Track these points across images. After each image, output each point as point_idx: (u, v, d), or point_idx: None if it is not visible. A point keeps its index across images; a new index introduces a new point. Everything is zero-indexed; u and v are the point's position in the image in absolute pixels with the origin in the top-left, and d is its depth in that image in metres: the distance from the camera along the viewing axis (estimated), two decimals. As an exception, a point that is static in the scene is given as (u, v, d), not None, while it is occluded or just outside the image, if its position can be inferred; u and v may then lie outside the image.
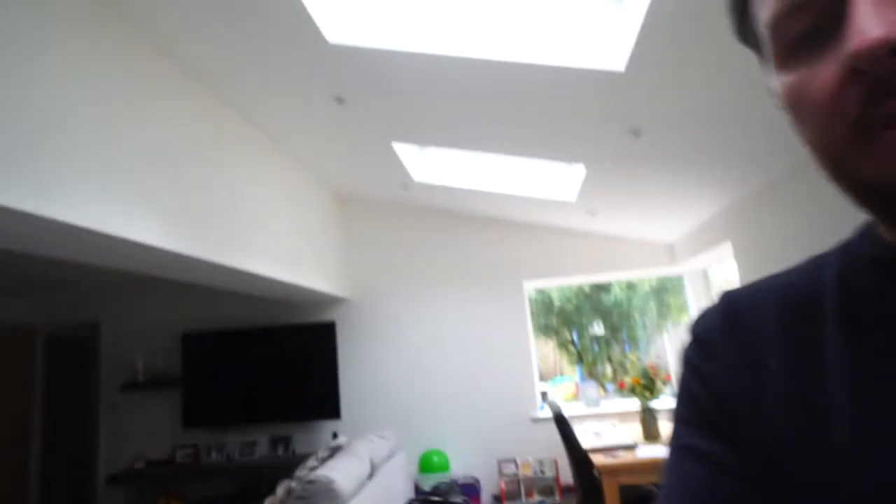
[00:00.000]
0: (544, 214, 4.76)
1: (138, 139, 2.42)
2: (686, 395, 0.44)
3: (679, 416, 0.44)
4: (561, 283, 5.64)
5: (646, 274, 5.33)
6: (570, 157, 3.59)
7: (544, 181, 4.23)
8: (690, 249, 4.53)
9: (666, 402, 3.84)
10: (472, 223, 5.11)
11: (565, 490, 4.37)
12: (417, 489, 4.12)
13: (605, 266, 4.97)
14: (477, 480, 4.34)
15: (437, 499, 1.19)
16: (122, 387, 5.21)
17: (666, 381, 3.48)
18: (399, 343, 4.98)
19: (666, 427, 3.69)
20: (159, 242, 2.47)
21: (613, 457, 3.05)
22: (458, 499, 1.17)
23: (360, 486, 2.80)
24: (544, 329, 8.06)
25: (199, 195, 2.84)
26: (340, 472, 2.61)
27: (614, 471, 2.96)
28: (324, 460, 3.01)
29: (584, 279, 5.38)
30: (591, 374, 8.32)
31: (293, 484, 2.76)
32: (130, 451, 5.11)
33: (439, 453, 4.49)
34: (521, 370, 4.83)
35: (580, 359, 8.55)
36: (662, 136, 2.93)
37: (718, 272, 5.00)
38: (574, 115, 2.85)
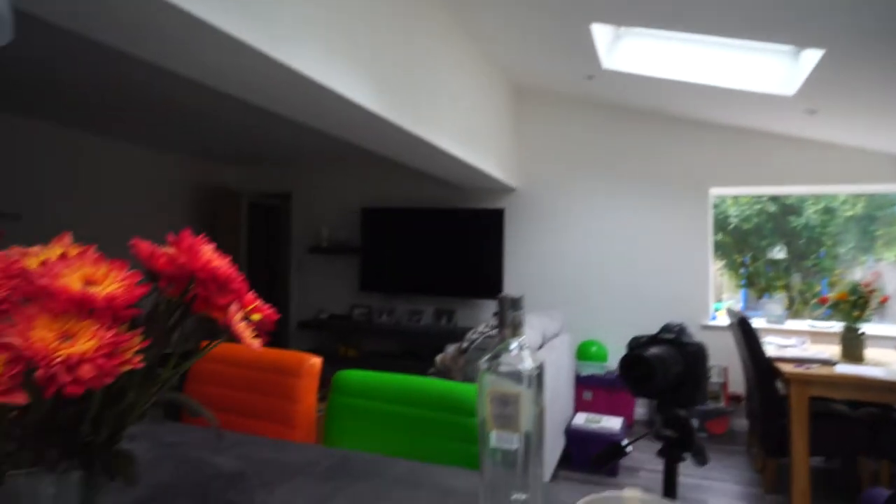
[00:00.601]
0: (746, 114, 4.24)
1: (355, 4, 2.52)
2: None
3: None
4: (753, 192, 5.11)
5: (861, 189, 4.61)
6: (807, 38, 3.08)
7: (751, 75, 3.71)
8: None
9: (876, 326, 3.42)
10: (657, 121, 4.73)
11: (732, 399, 4.22)
12: (577, 377, 4.23)
13: (810, 176, 4.37)
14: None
15: (669, 335, 1.18)
16: (310, 249, 5.89)
17: (882, 303, 3.08)
18: (566, 236, 4.95)
19: (875, 352, 3.31)
20: (366, 102, 2.62)
21: (807, 369, 2.82)
22: (691, 339, 1.15)
23: (532, 351, 2.92)
24: (714, 247, 7.49)
25: (399, 66, 2.94)
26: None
27: (807, 381, 2.75)
28: (495, 326, 3.18)
29: (782, 190, 4.81)
30: (759, 302, 7.67)
31: (464, 344, 2.95)
32: (315, 305, 5.86)
33: (598, 344, 4.53)
34: (695, 277, 4.58)
35: (749, 284, 7.90)
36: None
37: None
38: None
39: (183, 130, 4.91)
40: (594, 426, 3.47)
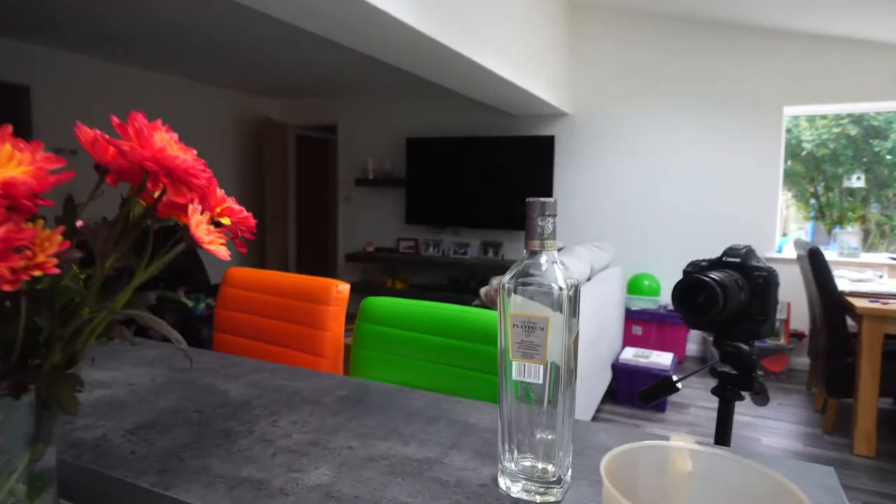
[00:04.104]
0: (829, 17, 3.74)
1: None
2: None
3: None
4: (832, 110, 4.61)
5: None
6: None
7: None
8: None
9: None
10: (725, 33, 4.26)
11: (793, 337, 3.99)
12: (627, 311, 4.08)
13: (904, 92, 3.88)
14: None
15: (733, 259, 1.03)
16: (356, 182, 5.82)
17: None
18: (620, 163, 4.66)
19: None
20: (404, 16, 2.42)
21: (883, 304, 2.58)
22: (760, 263, 1.00)
23: (581, 283, 2.79)
24: (784, 175, 6.94)
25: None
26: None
27: (882, 317, 2.52)
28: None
29: (865, 107, 4.32)
30: (829, 235, 7.16)
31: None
32: (362, 237, 5.87)
33: (650, 278, 4.34)
34: (762, 207, 4.26)
35: (820, 216, 7.36)
36: None
37: None
38: None
39: (228, 64, 4.82)
40: (643, 361, 3.36)
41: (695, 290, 0.94)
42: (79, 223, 0.43)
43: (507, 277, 0.58)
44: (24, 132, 3.73)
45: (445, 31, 2.72)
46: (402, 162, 5.51)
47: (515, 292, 0.57)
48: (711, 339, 1.08)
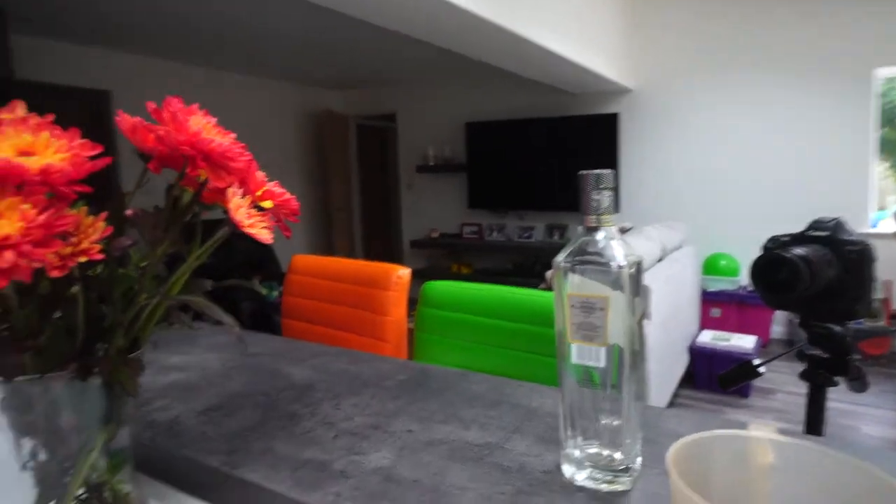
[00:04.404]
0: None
1: None
2: None
3: None
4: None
5: None
6: None
7: None
8: None
9: None
10: (808, -12, 3.92)
11: (894, 318, 3.67)
12: (703, 292, 3.89)
13: None
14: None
15: (820, 233, 0.94)
16: (417, 168, 5.86)
17: None
18: (690, 139, 4.42)
19: None
20: (464, 2, 2.37)
21: None
22: (852, 236, 0.91)
23: (651, 265, 2.68)
24: (879, 145, 6.36)
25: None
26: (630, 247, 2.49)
27: None
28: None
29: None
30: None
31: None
32: (426, 223, 5.90)
33: (728, 257, 4.11)
34: (852, 180, 3.92)
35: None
36: None
37: None
38: None
39: (291, 58, 4.96)
40: (722, 344, 3.19)
41: (776, 266, 0.86)
42: (128, 211, 0.44)
43: (561, 256, 0.54)
44: (105, 136, 3.98)
45: (502, 11, 2.65)
46: (462, 147, 5.47)
47: (572, 271, 0.53)
48: (798, 320, 1.00)
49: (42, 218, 0.33)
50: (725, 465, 0.39)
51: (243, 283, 0.68)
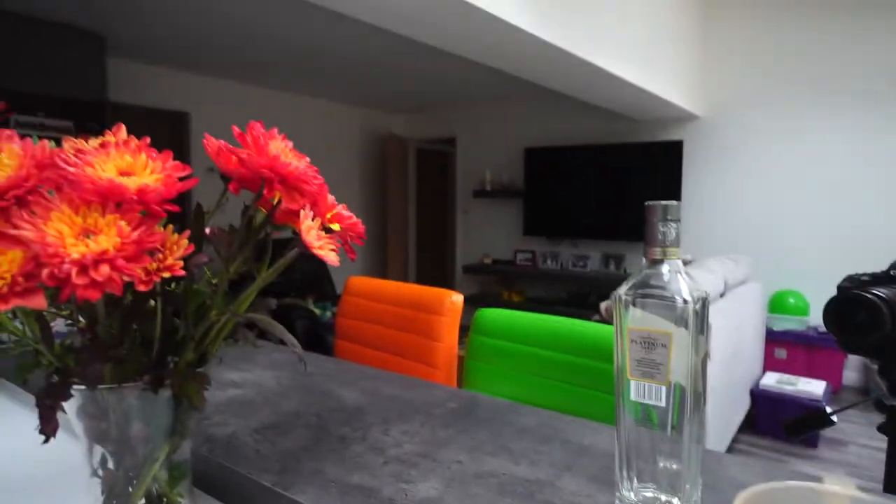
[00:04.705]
0: None
1: None
2: None
3: None
4: None
5: None
6: None
7: None
8: None
9: None
10: (893, 12, 3.73)
11: None
12: (768, 332, 3.69)
13: None
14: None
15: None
16: (474, 193, 5.89)
17: None
18: (760, 168, 4.25)
19: None
20: (526, 24, 2.40)
21: None
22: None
23: (713, 300, 2.57)
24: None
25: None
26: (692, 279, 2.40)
27: None
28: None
29: None
30: None
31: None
32: (480, 249, 5.91)
33: (797, 295, 3.89)
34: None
35: None
36: None
37: None
38: None
39: (356, 82, 5.14)
40: (788, 388, 3.01)
41: (853, 307, 0.81)
42: (207, 230, 0.47)
43: (623, 288, 0.53)
44: (183, 155, 4.23)
45: (564, 35, 2.66)
46: (520, 173, 5.48)
47: (634, 304, 0.52)
48: (876, 367, 0.93)
49: (136, 235, 0.35)
50: (797, 521, 0.37)
51: (300, 302, 0.70)
